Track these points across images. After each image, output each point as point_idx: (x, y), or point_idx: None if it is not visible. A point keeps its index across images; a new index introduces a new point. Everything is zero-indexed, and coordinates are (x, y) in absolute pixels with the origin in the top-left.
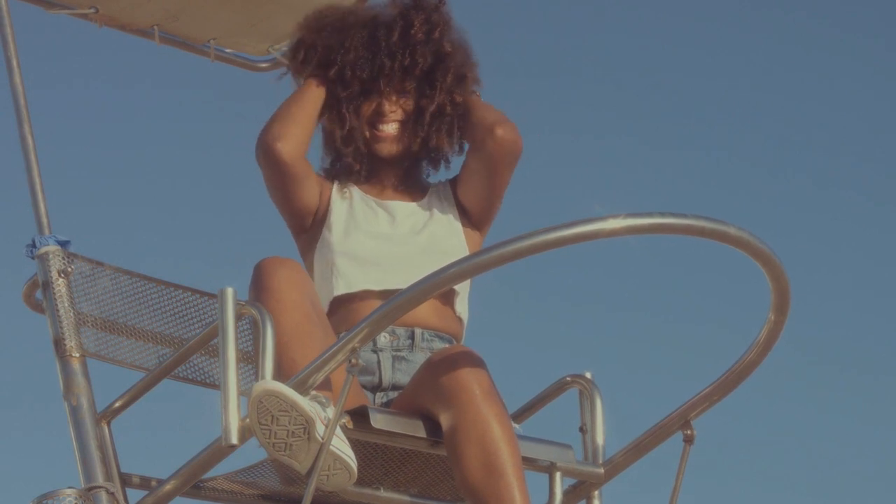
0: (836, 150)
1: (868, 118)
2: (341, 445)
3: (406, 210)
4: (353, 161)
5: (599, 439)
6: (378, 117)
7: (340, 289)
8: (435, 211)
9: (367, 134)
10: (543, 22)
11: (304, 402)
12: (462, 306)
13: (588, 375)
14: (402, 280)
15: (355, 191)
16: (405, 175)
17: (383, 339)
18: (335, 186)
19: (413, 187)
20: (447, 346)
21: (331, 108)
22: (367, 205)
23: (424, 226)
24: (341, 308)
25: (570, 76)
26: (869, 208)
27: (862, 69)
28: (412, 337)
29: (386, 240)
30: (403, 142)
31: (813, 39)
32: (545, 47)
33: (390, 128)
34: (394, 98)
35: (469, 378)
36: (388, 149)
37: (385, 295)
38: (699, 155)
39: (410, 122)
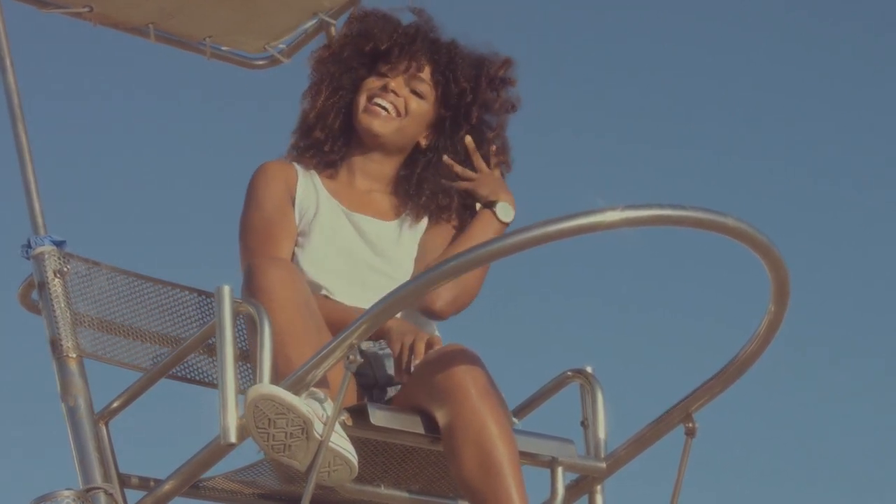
0: (839, 145)
1: (869, 113)
2: (341, 441)
3: (375, 229)
4: (334, 121)
5: (601, 433)
6: (382, 92)
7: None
8: (404, 242)
9: (362, 104)
10: (544, 19)
11: (300, 404)
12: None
13: (589, 370)
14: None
15: (322, 192)
16: (383, 188)
17: (364, 342)
18: (300, 180)
19: (389, 203)
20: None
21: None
22: (335, 213)
23: (388, 258)
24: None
25: (571, 73)
26: (871, 204)
27: (862, 66)
28: None
29: (349, 261)
30: (396, 132)
31: (813, 39)
32: (546, 45)
33: (387, 105)
34: (405, 90)
35: (464, 377)
36: (377, 125)
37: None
38: (700, 153)
39: (409, 124)
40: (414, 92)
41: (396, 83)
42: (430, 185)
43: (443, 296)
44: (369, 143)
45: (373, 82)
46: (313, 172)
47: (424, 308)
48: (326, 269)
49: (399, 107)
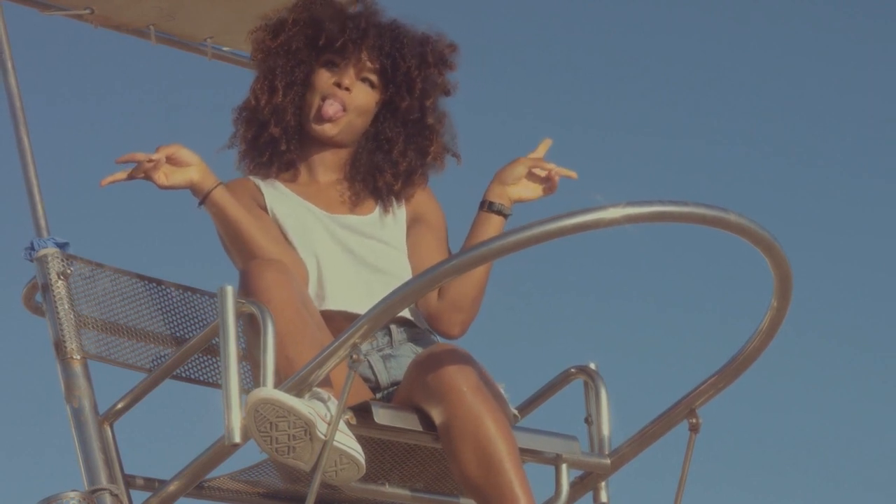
0: (845, 137)
1: (871, 103)
2: (346, 440)
3: (353, 225)
4: (290, 120)
5: (605, 430)
6: (335, 89)
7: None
8: (386, 233)
9: (316, 104)
10: (547, 16)
11: (301, 406)
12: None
13: (592, 366)
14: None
15: (293, 198)
16: (342, 175)
17: (363, 344)
18: (264, 191)
19: (356, 193)
20: (430, 339)
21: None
22: (317, 220)
23: (374, 254)
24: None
25: (573, 70)
26: (876, 195)
27: (867, 57)
28: (389, 334)
29: (348, 266)
30: (348, 129)
31: (819, 28)
32: (550, 41)
33: (340, 103)
34: (357, 83)
35: (456, 376)
36: (330, 128)
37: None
38: (700, 148)
39: (359, 117)
40: (364, 80)
41: (349, 78)
42: (371, 166)
43: (457, 322)
44: (324, 141)
45: (325, 79)
46: (272, 180)
47: (442, 335)
48: (330, 280)
49: (351, 102)
